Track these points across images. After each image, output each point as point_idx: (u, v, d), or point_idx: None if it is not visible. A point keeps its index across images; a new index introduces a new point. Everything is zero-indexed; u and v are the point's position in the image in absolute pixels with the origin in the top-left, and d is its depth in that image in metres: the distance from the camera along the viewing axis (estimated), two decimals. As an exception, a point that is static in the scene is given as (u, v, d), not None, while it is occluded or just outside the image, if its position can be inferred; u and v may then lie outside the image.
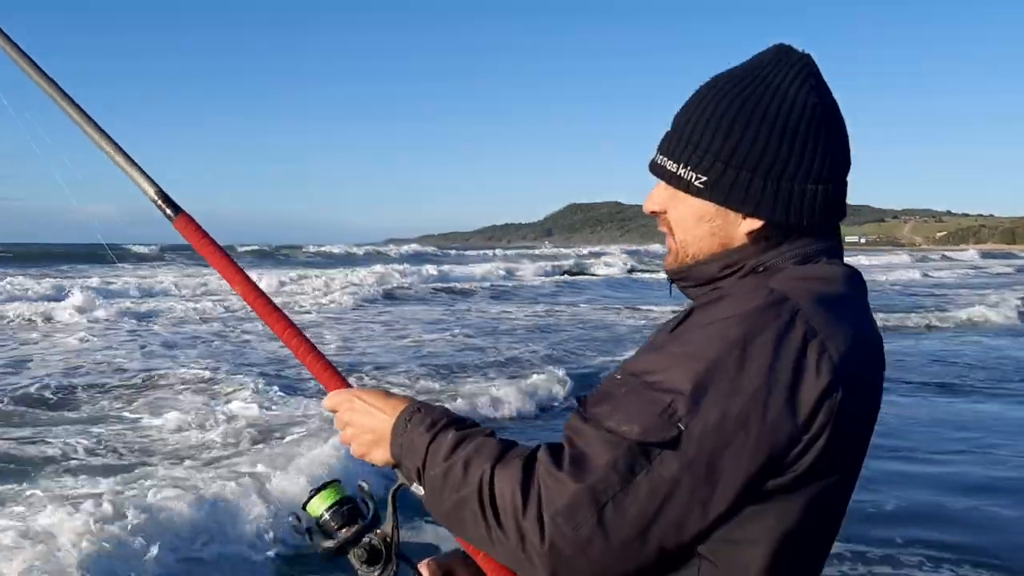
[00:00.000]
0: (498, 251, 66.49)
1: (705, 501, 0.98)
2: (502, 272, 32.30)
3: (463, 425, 1.13)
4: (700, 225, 1.14)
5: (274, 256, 45.92)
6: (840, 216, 1.15)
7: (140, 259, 36.84)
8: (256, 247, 50.96)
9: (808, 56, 1.14)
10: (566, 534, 0.98)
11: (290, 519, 1.27)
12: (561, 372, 9.08)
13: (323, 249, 53.93)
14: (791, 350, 0.98)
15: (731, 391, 0.97)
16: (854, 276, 1.15)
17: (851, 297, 1.10)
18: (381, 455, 1.19)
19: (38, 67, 1.51)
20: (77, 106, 1.48)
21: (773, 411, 0.97)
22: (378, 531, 1.24)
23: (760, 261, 1.11)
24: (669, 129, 1.16)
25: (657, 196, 1.17)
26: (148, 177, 1.47)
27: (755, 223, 1.10)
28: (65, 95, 1.49)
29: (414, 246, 68.46)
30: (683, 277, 1.18)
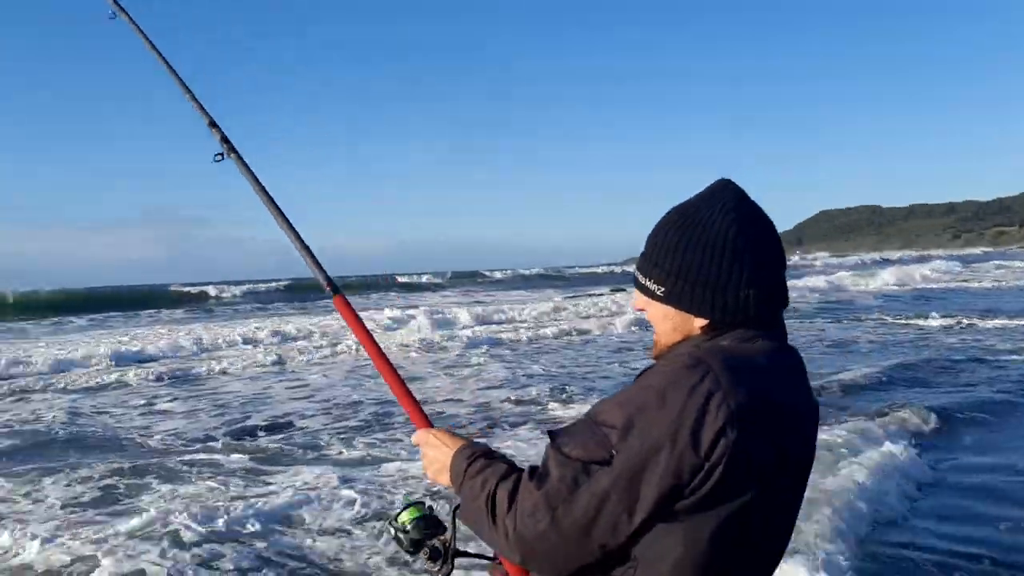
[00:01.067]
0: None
1: (630, 509, 1.31)
2: (822, 285, 30.97)
3: (491, 456, 1.58)
4: (666, 322, 1.51)
5: (555, 277, 47.89)
6: (777, 306, 1.48)
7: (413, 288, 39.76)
8: (539, 271, 53.38)
9: (731, 189, 1.48)
10: (529, 528, 1.37)
11: (387, 526, 1.80)
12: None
13: (589, 270, 55.71)
14: (697, 399, 1.30)
15: (650, 426, 1.30)
16: (780, 351, 1.47)
17: (766, 366, 1.41)
18: (445, 479, 1.64)
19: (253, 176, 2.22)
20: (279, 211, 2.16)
21: (680, 443, 1.28)
22: (442, 537, 1.74)
23: (713, 344, 1.45)
24: (643, 250, 1.54)
25: (639, 299, 1.56)
26: (317, 263, 2.12)
27: (703, 320, 1.46)
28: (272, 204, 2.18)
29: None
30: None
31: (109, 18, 2.90)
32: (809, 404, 1.50)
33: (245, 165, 2.34)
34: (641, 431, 1.31)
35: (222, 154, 2.39)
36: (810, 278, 34.71)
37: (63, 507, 6.05)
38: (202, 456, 7.57)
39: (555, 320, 21.32)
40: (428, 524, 1.76)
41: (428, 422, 1.84)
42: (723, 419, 1.29)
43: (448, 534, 1.73)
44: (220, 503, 5.89)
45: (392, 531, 1.79)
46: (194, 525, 5.35)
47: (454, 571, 1.73)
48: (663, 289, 1.48)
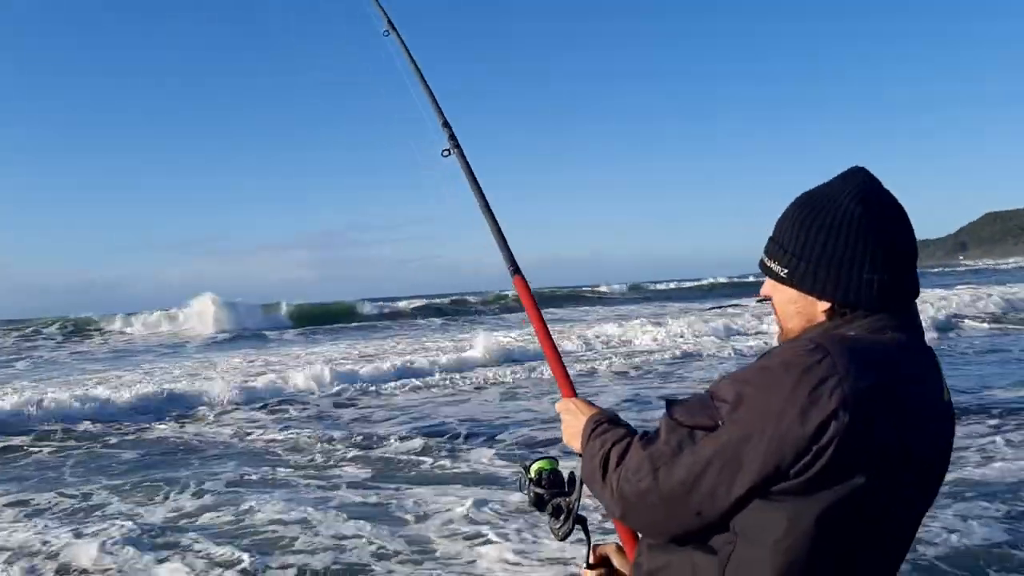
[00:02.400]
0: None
1: (730, 480, 1.31)
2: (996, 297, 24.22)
3: (616, 422, 1.65)
4: (789, 306, 1.50)
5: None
6: (903, 299, 1.44)
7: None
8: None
9: (861, 174, 1.47)
10: (632, 485, 1.42)
11: (519, 474, 1.91)
12: None
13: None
14: (811, 380, 1.28)
15: (760, 403, 1.31)
16: (911, 344, 1.42)
17: (893, 357, 1.37)
18: (577, 444, 1.72)
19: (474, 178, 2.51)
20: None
21: (786, 422, 1.27)
22: (567, 499, 1.81)
23: (840, 333, 1.41)
24: (771, 234, 1.54)
25: (766, 285, 1.55)
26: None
27: (826, 304, 1.44)
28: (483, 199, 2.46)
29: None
30: None
31: (383, 35, 3.37)
32: (941, 403, 1.43)
33: (466, 163, 2.65)
34: (750, 407, 1.32)
35: (448, 150, 2.72)
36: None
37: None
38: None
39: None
40: (555, 480, 1.84)
41: (572, 391, 1.94)
42: (836, 403, 1.26)
43: (574, 496, 1.80)
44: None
45: (522, 480, 1.89)
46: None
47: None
48: (787, 271, 1.47)
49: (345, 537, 5.67)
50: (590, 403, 1.84)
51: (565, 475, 1.87)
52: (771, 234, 1.53)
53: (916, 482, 1.40)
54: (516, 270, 2.31)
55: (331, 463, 8.11)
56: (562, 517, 1.81)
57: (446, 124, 2.78)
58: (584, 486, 1.72)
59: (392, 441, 8.94)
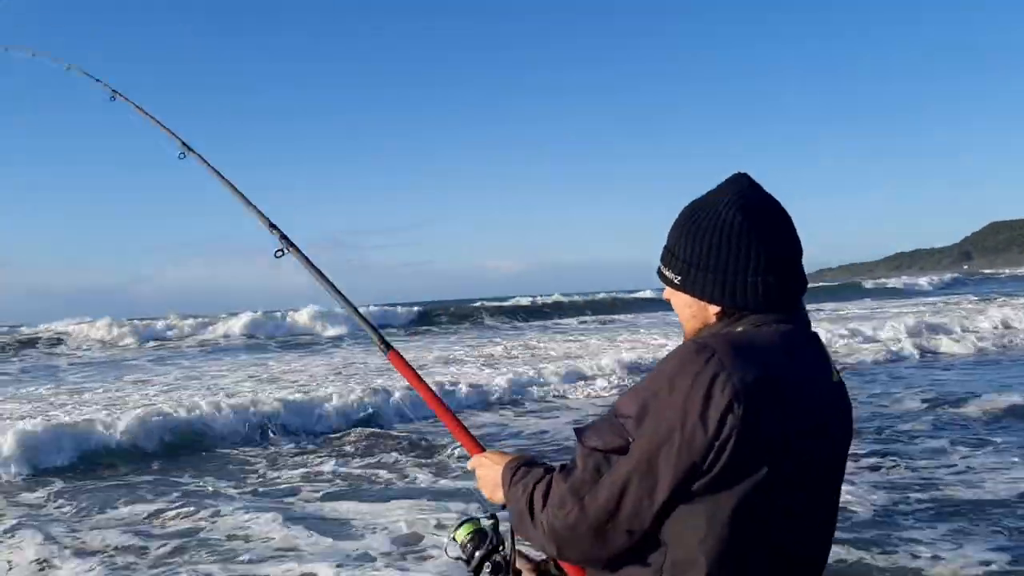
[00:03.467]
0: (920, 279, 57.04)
1: (651, 492, 1.36)
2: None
3: (532, 464, 1.68)
4: (685, 310, 1.58)
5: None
6: (791, 292, 1.51)
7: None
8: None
9: (741, 181, 1.54)
10: (560, 518, 1.46)
11: (448, 543, 1.91)
12: None
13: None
14: (703, 380, 1.35)
15: (661, 412, 1.37)
16: (795, 333, 1.50)
17: (777, 346, 1.45)
18: (499, 496, 1.72)
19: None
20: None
21: (689, 424, 1.34)
22: (502, 552, 1.82)
23: (730, 330, 1.50)
24: (665, 242, 1.61)
25: (666, 291, 1.62)
26: (370, 324, 2.42)
27: (716, 307, 1.52)
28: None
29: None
30: None
31: (179, 158, 3.37)
32: (829, 384, 1.52)
33: (303, 256, 2.70)
34: (653, 417, 1.38)
35: (282, 250, 2.77)
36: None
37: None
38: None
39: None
40: (483, 538, 1.86)
41: (479, 447, 1.99)
42: (729, 396, 1.33)
43: (507, 547, 1.82)
44: None
45: (452, 548, 1.89)
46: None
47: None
48: (680, 278, 1.55)
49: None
50: (502, 452, 1.88)
51: (489, 529, 1.89)
52: (665, 243, 1.60)
53: (817, 464, 1.47)
54: (388, 347, 2.38)
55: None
56: (503, 570, 1.83)
57: (273, 226, 2.84)
58: (515, 534, 1.75)
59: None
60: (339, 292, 2.57)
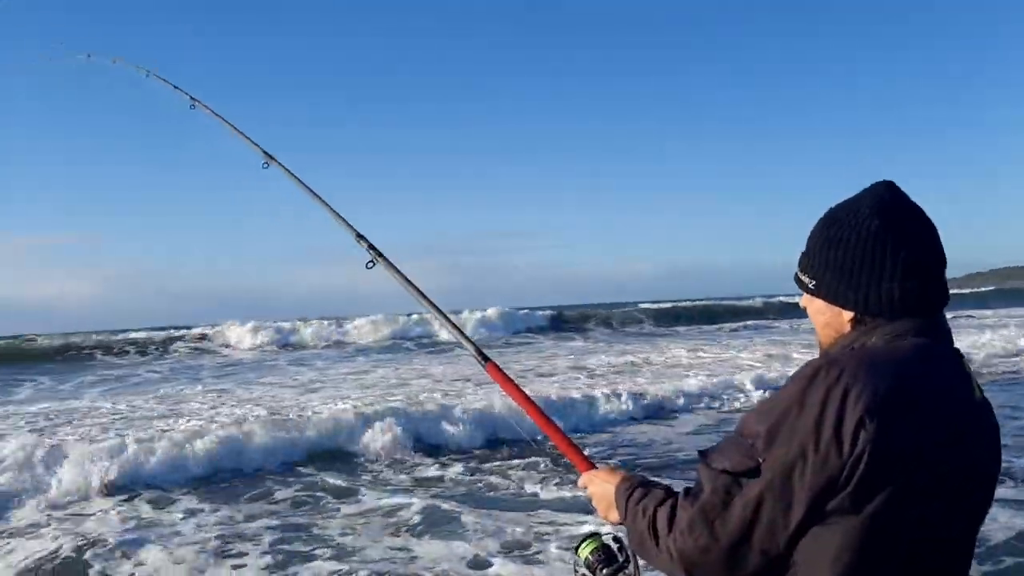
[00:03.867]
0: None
1: (785, 512, 1.33)
2: None
3: (648, 484, 1.62)
4: (819, 317, 1.55)
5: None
6: (926, 307, 1.46)
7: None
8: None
9: (882, 187, 1.51)
10: (690, 544, 1.42)
11: (572, 560, 1.86)
12: None
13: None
14: (835, 396, 1.31)
15: (793, 430, 1.33)
16: (934, 348, 1.44)
17: (913, 359, 1.40)
18: (615, 515, 1.70)
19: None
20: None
21: (823, 442, 1.30)
22: (627, 571, 1.76)
23: (862, 343, 1.46)
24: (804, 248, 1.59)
25: (803, 298, 1.60)
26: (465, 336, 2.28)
27: (849, 314, 1.48)
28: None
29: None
30: None
31: (263, 167, 3.34)
32: (971, 402, 1.45)
33: (394, 267, 2.59)
34: (785, 436, 1.34)
35: (373, 261, 2.68)
36: None
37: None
38: None
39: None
40: (608, 555, 1.80)
41: (589, 464, 1.91)
42: (861, 411, 1.29)
43: (632, 568, 1.76)
44: None
45: (576, 567, 1.84)
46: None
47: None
48: (815, 283, 1.53)
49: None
50: (612, 469, 1.82)
51: (614, 546, 1.83)
52: (803, 248, 1.59)
53: (959, 487, 1.40)
54: (486, 359, 2.24)
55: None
56: None
57: (361, 236, 2.75)
58: (637, 556, 1.70)
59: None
60: (431, 302, 2.47)
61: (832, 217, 1.53)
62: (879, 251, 1.44)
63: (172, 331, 28.23)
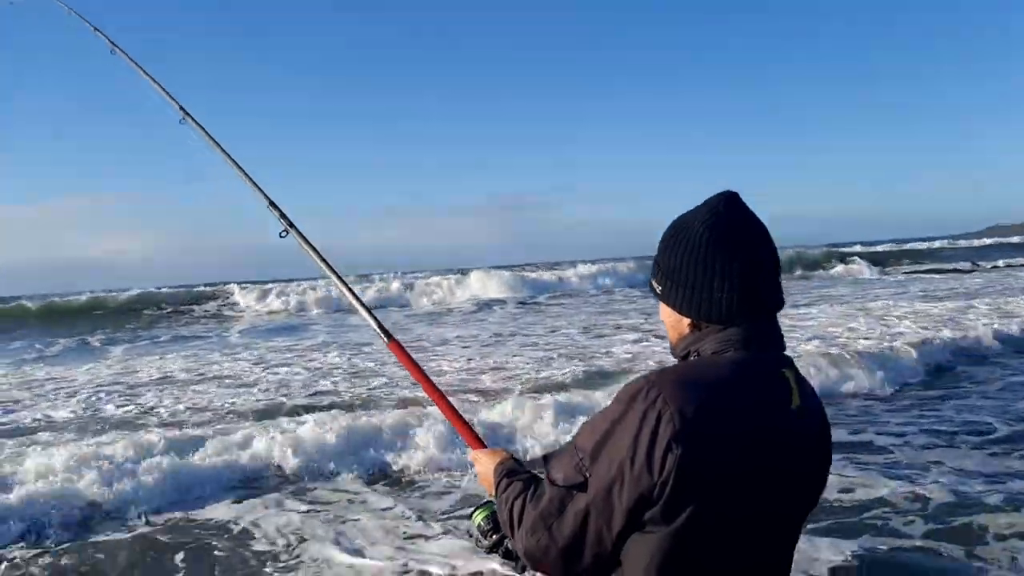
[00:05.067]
0: None
1: (608, 523, 1.49)
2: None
3: (513, 474, 1.78)
4: (668, 320, 1.67)
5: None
6: (756, 313, 1.55)
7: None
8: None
9: (720, 199, 1.59)
10: (532, 543, 1.60)
11: (469, 525, 2.03)
12: None
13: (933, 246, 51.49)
14: (649, 421, 1.44)
15: (612, 452, 1.47)
16: (755, 362, 1.54)
17: (728, 379, 1.50)
18: (492, 493, 1.88)
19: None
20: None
21: (637, 464, 1.44)
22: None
23: (696, 348, 1.59)
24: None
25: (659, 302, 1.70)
26: (367, 309, 2.38)
27: (687, 319, 1.60)
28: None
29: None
30: (674, 357, 1.68)
31: (179, 123, 3.31)
32: (787, 412, 1.55)
33: (304, 238, 2.65)
34: (607, 455, 1.49)
35: (285, 230, 2.72)
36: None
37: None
38: None
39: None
40: (496, 523, 1.94)
41: (479, 443, 2.08)
42: (669, 436, 1.42)
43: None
44: None
45: (469, 531, 2.01)
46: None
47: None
48: (661, 288, 1.65)
49: None
50: (494, 451, 1.98)
51: None
52: (655, 256, 1.69)
53: (772, 495, 1.52)
54: (390, 336, 2.35)
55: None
56: (514, 556, 1.90)
57: (273, 204, 2.79)
58: None
59: None
60: (340, 276, 2.53)
61: (674, 227, 1.63)
62: (709, 262, 1.54)
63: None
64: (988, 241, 59.08)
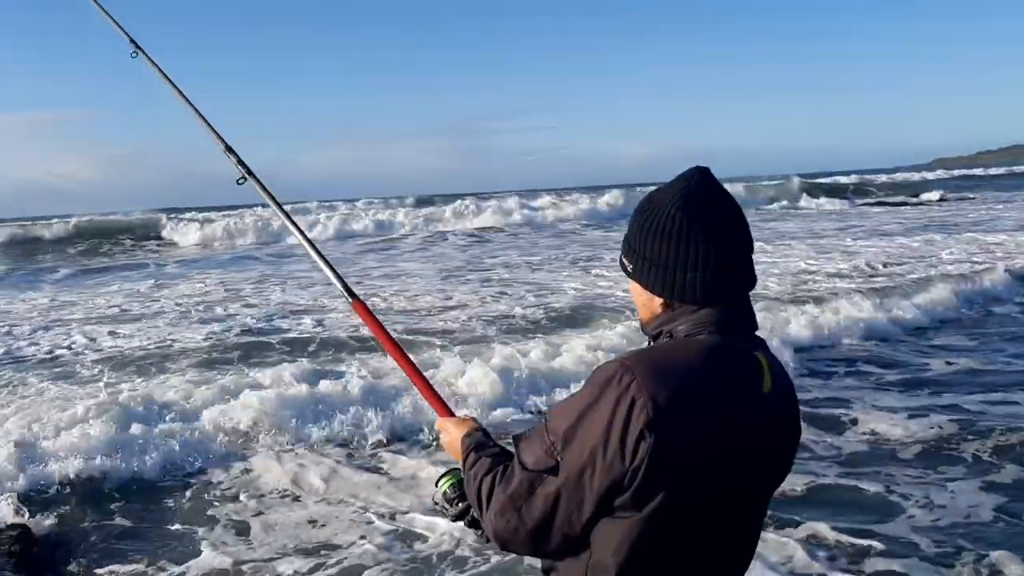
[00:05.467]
0: None
1: (578, 507, 1.49)
2: None
3: (481, 448, 1.76)
4: (638, 299, 1.65)
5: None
6: (732, 288, 1.54)
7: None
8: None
9: (692, 177, 1.57)
10: (501, 525, 1.59)
11: (432, 494, 2.01)
12: None
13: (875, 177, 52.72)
14: (622, 408, 1.43)
15: (585, 437, 1.46)
16: (727, 348, 1.53)
17: (701, 366, 1.49)
18: (459, 462, 1.86)
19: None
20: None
21: (610, 451, 1.43)
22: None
23: (669, 328, 1.57)
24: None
25: (629, 281, 1.67)
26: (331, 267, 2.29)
27: (659, 298, 1.58)
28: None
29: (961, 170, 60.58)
30: (644, 335, 1.67)
31: (131, 56, 3.12)
32: (758, 400, 1.54)
33: (263, 186, 2.53)
34: (579, 441, 1.48)
35: (243, 177, 2.60)
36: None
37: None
38: None
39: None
40: (462, 492, 1.92)
41: (447, 410, 2.03)
42: (642, 423, 1.41)
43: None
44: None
45: (434, 499, 1.99)
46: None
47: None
48: (632, 267, 1.62)
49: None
50: (461, 420, 1.95)
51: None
52: (625, 233, 1.67)
53: (723, 485, 1.52)
54: (353, 295, 2.26)
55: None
56: (479, 530, 1.88)
57: (230, 149, 2.65)
58: None
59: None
60: (300, 230, 2.44)
61: (646, 205, 1.60)
62: (682, 242, 1.52)
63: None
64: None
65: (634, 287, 1.64)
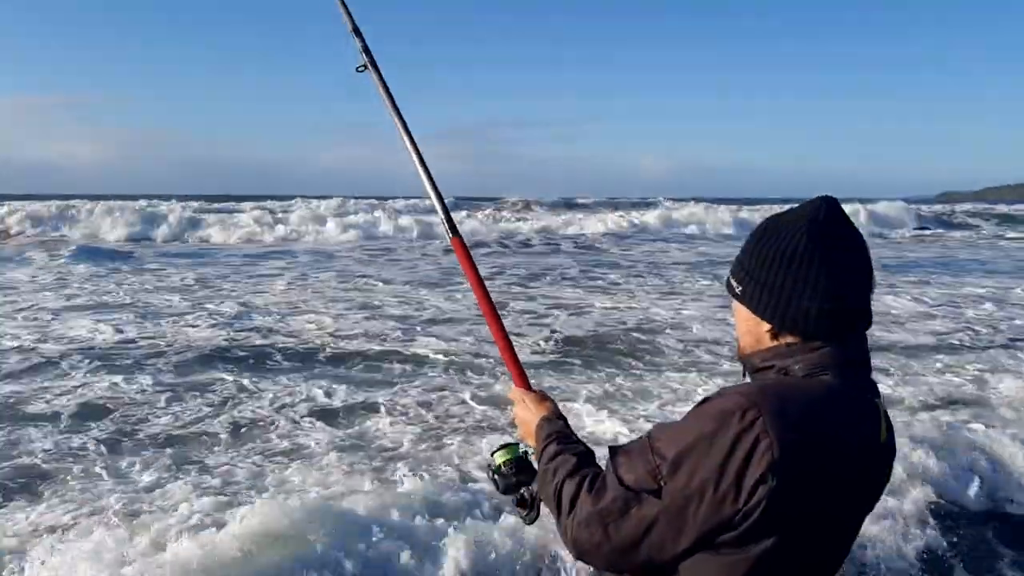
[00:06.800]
0: None
1: (675, 536, 1.43)
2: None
3: (565, 441, 1.72)
4: (742, 324, 1.59)
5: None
6: (844, 329, 1.48)
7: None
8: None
9: (821, 206, 1.51)
10: (584, 537, 1.53)
11: (486, 461, 2.01)
12: None
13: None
14: (744, 445, 1.37)
15: (697, 467, 1.39)
16: (847, 389, 1.48)
17: (825, 407, 1.44)
18: (531, 442, 1.84)
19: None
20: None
21: (723, 487, 1.37)
22: (531, 488, 1.88)
23: (783, 366, 1.51)
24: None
25: (733, 302, 1.62)
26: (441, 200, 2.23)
27: (767, 325, 1.52)
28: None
29: (970, 205, 55.24)
30: (744, 365, 1.62)
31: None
32: (875, 445, 1.51)
33: (382, 79, 2.38)
34: (689, 470, 1.40)
35: (364, 65, 2.45)
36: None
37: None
38: None
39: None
40: (520, 467, 1.91)
41: (525, 382, 1.98)
42: (765, 467, 1.36)
43: (536, 484, 1.85)
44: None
45: (488, 470, 1.96)
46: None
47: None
48: (740, 288, 1.57)
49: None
50: (541, 399, 1.90)
51: (526, 460, 1.93)
52: (738, 253, 1.61)
53: (842, 524, 1.52)
54: (455, 231, 2.21)
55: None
56: (527, 505, 1.89)
57: (357, 31, 2.48)
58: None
59: None
60: (414, 143, 2.31)
61: (767, 228, 1.56)
62: (802, 271, 1.47)
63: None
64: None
65: (740, 311, 1.58)
